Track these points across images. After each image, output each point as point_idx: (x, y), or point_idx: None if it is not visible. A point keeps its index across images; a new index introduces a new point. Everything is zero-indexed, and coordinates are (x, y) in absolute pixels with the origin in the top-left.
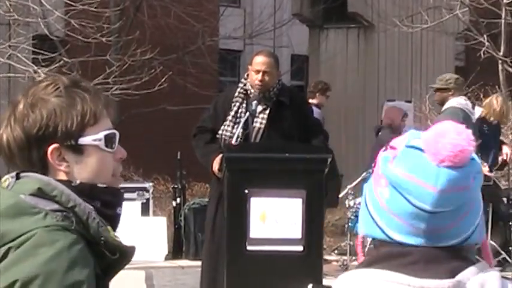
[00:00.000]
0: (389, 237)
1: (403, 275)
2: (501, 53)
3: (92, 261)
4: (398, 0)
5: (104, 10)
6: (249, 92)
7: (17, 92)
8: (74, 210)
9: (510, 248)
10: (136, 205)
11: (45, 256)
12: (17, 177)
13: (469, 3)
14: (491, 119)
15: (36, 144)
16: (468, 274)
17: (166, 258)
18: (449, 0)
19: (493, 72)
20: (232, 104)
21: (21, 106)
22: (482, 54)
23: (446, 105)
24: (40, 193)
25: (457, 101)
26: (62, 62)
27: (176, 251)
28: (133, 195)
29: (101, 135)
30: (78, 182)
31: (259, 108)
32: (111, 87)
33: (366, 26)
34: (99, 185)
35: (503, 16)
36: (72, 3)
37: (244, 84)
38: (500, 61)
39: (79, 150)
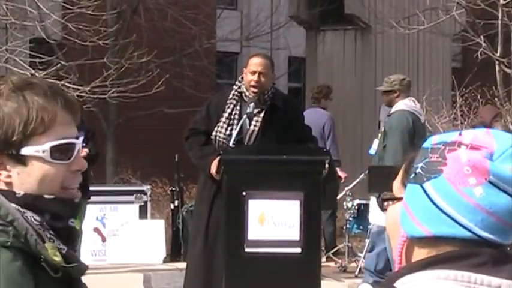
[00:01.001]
0: (477, 235)
1: (484, 275)
2: (498, 54)
3: (30, 280)
4: (394, 2)
5: (100, 13)
6: (243, 94)
7: None
8: (13, 224)
9: None
10: (134, 208)
11: None
12: None
13: (465, 5)
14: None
15: None
16: None
17: (165, 261)
18: (446, 2)
19: (490, 73)
20: (226, 106)
21: None
22: (479, 55)
23: (394, 108)
24: None
25: (405, 103)
26: (59, 65)
27: (174, 253)
28: (131, 198)
29: (47, 146)
30: (22, 193)
31: (254, 111)
32: (109, 90)
33: (362, 28)
34: (46, 196)
35: (500, 17)
36: (69, 7)
37: (239, 87)
38: (497, 62)
39: (21, 160)
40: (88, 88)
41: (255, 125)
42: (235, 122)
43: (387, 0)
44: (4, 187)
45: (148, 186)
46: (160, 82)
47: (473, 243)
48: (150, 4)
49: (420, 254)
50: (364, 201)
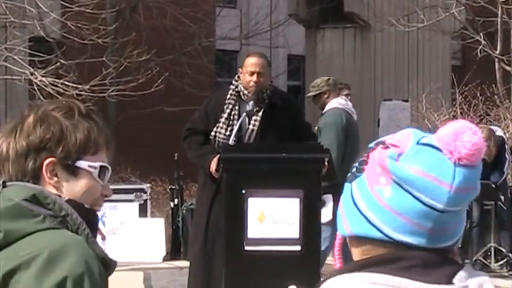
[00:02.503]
0: (388, 236)
1: (404, 279)
2: (498, 51)
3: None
4: (394, 0)
5: (100, 12)
6: (241, 93)
7: (14, 95)
8: (66, 219)
9: None
10: (134, 206)
11: (78, 251)
12: (3, 185)
13: (465, 2)
14: None
15: (35, 153)
16: (462, 278)
17: (165, 259)
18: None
19: (490, 70)
20: (225, 106)
21: (30, 120)
22: (478, 53)
23: (327, 107)
24: (34, 199)
25: (338, 102)
26: (58, 63)
27: (174, 251)
28: (131, 196)
29: (97, 164)
30: (67, 197)
31: (254, 109)
32: (108, 89)
33: (362, 26)
34: (86, 205)
35: (499, 14)
36: (68, 5)
37: (236, 86)
38: (496, 59)
39: (73, 171)
40: (87, 86)
41: (254, 124)
42: (235, 122)
43: None
44: (53, 190)
45: (148, 185)
46: (160, 80)
47: (392, 245)
48: (149, 2)
49: (355, 253)
50: None
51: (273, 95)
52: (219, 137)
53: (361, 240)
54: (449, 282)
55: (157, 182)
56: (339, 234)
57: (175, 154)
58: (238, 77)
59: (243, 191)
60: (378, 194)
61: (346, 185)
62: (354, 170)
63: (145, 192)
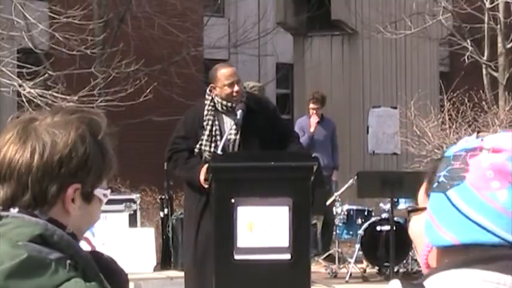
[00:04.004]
0: (504, 239)
1: (509, 276)
2: (485, 58)
3: None
4: (381, 7)
5: (87, 22)
6: (218, 106)
7: (2, 106)
8: (73, 256)
9: None
10: (124, 216)
11: None
12: None
13: (451, 9)
14: None
15: (64, 179)
16: None
17: (155, 270)
18: (432, 6)
19: (478, 76)
20: (205, 123)
21: (71, 137)
22: (466, 59)
23: None
24: (40, 240)
25: None
26: (46, 75)
27: (165, 261)
28: (121, 206)
29: (108, 192)
30: (71, 230)
31: (229, 120)
32: (96, 100)
33: (349, 33)
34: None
35: (486, 21)
36: (56, 16)
37: (211, 100)
38: (484, 65)
39: (89, 199)
40: (76, 97)
41: (235, 134)
42: (218, 138)
43: (374, 5)
44: (64, 218)
45: (138, 195)
46: (148, 90)
47: (504, 248)
48: (137, 13)
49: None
50: (353, 207)
51: (248, 100)
52: (206, 156)
53: (467, 248)
54: None
55: (147, 192)
56: (428, 246)
57: (165, 164)
58: (210, 90)
59: (232, 200)
60: (491, 199)
61: (436, 195)
62: (443, 178)
63: (135, 202)
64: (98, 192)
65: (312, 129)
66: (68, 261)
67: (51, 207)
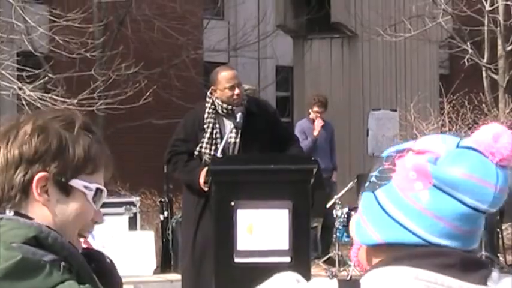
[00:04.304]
0: (425, 240)
1: (447, 276)
2: (485, 60)
3: None
4: (381, 10)
5: (87, 25)
6: (219, 109)
7: (2, 110)
8: (67, 259)
9: (498, 255)
10: (124, 219)
11: None
12: None
13: (451, 12)
14: None
15: (27, 165)
16: (496, 279)
17: (155, 273)
18: (432, 9)
19: (478, 79)
20: (205, 126)
21: (26, 128)
22: (466, 62)
23: None
24: (35, 242)
25: None
26: (46, 78)
27: (165, 265)
28: (121, 209)
29: (94, 186)
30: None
31: (229, 122)
32: (96, 102)
33: (349, 36)
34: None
35: (485, 23)
36: (56, 19)
37: (212, 103)
38: (484, 68)
39: (66, 190)
40: (76, 100)
41: (235, 137)
42: (218, 140)
43: (373, 8)
44: (40, 211)
45: (138, 198)
46: (148, 93)
47: (427, 247)
48: (136, 15)
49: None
50: (353, 210)
51: (249, 102)
52: (206, 158)
53: (390, 248)
54: (485, 283)
55: (147, 195)
56: (357, 244)
57: (165, 166)
58: (211, 93)
59: (232, 203)
60: (414, 199)
61: (367, 194)
62: (374, 178)
63: (135, 206)
64: (77, 183)
65: (315, 133)
66: (62, 264)
67: (27, 199)
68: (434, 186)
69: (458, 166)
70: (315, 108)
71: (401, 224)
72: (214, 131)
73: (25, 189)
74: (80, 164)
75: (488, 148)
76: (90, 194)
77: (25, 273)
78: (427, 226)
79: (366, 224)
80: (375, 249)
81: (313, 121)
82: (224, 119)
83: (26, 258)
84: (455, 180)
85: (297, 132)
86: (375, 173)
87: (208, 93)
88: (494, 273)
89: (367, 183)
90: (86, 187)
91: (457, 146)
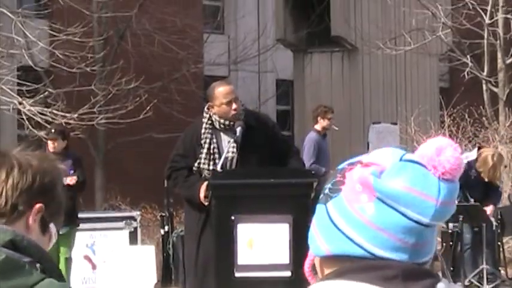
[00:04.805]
0: (370, 253)
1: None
2: (485, 73)
3: None
4: (381, 23)
5: (87, 40)
6: (216, 124)
7: (2, 124)
8: (41, 260)
9: (500, 269)
10: (124, 234)
11: None
12: None
13: (451, 25)
14: (483, 175)
15: (32, 194)
16: None
17: (156, 287)
18: (432, 22)
19: (478, 92)
20: (202, 141)
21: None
22: (466, 75)
23: None
24: (11, 245)
25: None
26: (46, 92)
27: (165, 279)
28: (121, 224)
29: (55, 234)
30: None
31: (227, 137)
32: (97, 117)
33: (349, 49)
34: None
35: (485, 36)
36: (56, 34)
37: (209, 118)
38: (484, 81)
39: (44, 228)
40: (76, 115)
41: (233, 152)
42: (217, 156)
43: (373, 21)
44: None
45: (138, 212)
46: (149, 107)
47: (371, 260)
48: (136, 30)
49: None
50: None
51: (247, 117)
52: (205, 174)
53: (339, 259)
54: None
55: (147, 209)
56: (310, 255)
57: (165, 181)
58: (208, 108)
59: (232, 217)
60: (360, 211)
61: (319, 206)
62: (327, 191)
63: (136, 220)
64: (52, 227)
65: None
66: (38, 265)
67: (16, 221)
68: (378, 198)
69: (400, 179)
70: (329, 115)
71: (347, 236)
72: (212, 146)
73: (18, 214)
74: (59, 210)
75: (431, 161)
76: (52, 242)
77: (8, 272)
78: (371, 238)
79: (318, 235)
80: (326, 261)
81: (323, 131)
82: (222, 133)
83: (9, 257)
84: (396, 193)
85: (309, 147)
86: (329, 186)
87: (205, 108)
88: (441, 284)
89: (321, 196)
90: (55, 234)
91: (401, 159)
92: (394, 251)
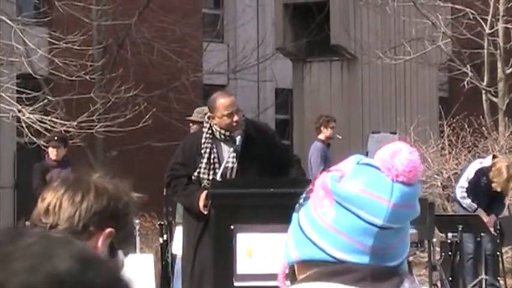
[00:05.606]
0: (332, 257)
1: None
2: (484, 83)
3: None
4: (380, 33)
5: (87, 48)
6: (217, 134)
7: (2, 132)
8: None
9: (499, 279)
10: None
11: None
12: None
13: (451, 34)
14: (496, 186)
15: (108, 218)
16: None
17: None
18: (432, 32)
19: (477, 102)
20: (203, 151)
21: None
22: (465, 85)
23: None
24: None
25: None
26: (46, 100)
27: None
28: None
29: (124, 261)
30: None
31: (227, 147)
32: (96, 125)
33: (349, 59)
34: None
35: (485, 46)
36: (56, 42)
37: (209, 128)
38: (484, 91)
39: (113, 253)
40: (75, 123)
41: (232, 162)
42: (217, 165)
43: (373, 31)
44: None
45: (137, 221)
46: (148, 116)
47: (335, 264)
48: (136, 38)
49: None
50: None
51: (247, 126)
52: (204, 183)
53: (307, 264)
54: None
55: (146, 218)
56: (284, 263)
57: (164, 189)
58: (209, 118)
59: (232, 227)
60: (322, 216)
61: (294, 215)
62: (301, 200)
63: (134, 228)
64: (121, 253)
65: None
66: None
67: (86, 241)
68: (337, 202)
69: (355, 182)
70: (332, 125)
71: (312, 241)
72: (212, 156)
73: (89, 235)
74: (130, 243)
75: (385, 164)
76: (122, 267)
77: None
78: (332, 242)
79: (290, 242)
80: (299, 266)
81: (327, 140)
82: (222, 143)
83: None
84: (350, 196)
85: (316, 157)
86: (304, 195)
87: (206, 118)
88: (406, 283)
89: (297, 205)
90: (122, 261)
91: (357, 163)
92: (354, 253)
